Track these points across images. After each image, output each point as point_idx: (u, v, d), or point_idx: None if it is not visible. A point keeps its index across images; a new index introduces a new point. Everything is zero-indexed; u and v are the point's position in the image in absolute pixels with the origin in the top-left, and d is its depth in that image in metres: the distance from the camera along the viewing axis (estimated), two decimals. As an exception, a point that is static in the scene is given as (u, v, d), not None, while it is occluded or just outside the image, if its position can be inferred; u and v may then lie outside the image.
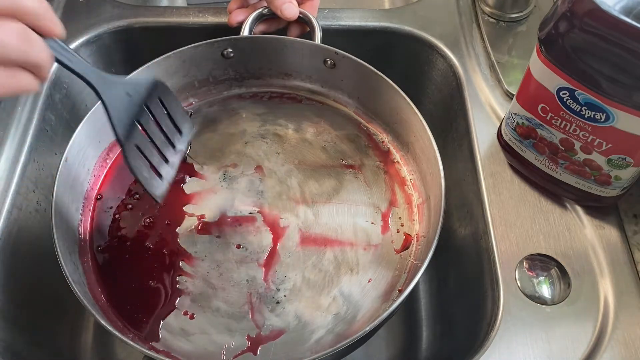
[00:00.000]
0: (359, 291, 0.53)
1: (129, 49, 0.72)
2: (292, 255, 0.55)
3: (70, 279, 0.47)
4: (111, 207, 0.58)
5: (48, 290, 0.60)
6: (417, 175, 0.59)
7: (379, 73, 0.59)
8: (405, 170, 0.60)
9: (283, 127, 0.64)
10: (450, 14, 0.70)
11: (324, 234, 0.56)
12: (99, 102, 0.46)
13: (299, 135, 0.63)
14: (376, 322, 0.47)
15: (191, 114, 0.65)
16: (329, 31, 0.65)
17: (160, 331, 0.51)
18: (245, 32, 0.63)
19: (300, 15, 0.63)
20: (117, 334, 0.46)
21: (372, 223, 0.57)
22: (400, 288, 0.53)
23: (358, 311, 0.52)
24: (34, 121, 0.62)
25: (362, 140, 0.63)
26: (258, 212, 0.58)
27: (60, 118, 0.66)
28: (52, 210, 0.51)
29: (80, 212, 0.57)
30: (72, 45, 0.67)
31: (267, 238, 0.56)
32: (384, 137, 0.63)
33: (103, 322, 0.46)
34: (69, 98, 0.68)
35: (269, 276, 0.54)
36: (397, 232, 0.57)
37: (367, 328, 0.46)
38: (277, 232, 0.56)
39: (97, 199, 0.58)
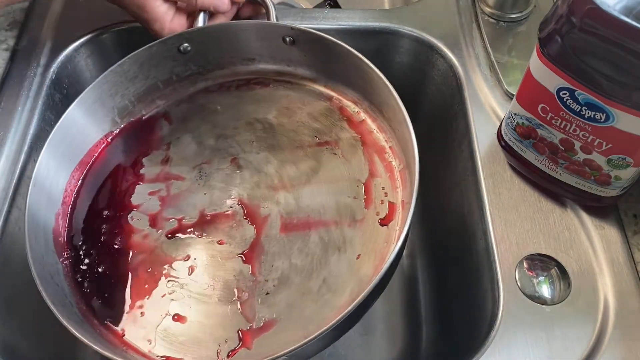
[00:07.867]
0: (349, 269, 0.51)
1: (129, 49, 0.71)
2: (276, 244, 0.54)
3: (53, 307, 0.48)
4: (85, 220, 0.57)
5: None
6: (395, 142, 0.57)
7: (337, 41, 0.57)
8: (382, 138, 0.58)
9: (254, 114, 0.62)
10: (450, 14, 0.70)
11: (307, 217, 0.55)
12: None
13: (271, 119, 0.62)
14: (366, 291, 0.44)
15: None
16: (328, 32, 0.64)
17: (154, 339, 0.50)
18: (199, 24, 0.62)
19: None
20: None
21: (354, 198, 0.55)
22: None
23: (349, 289, 0.50)
24: (34, 121, 0.62)
25: (336, 114, 0.61)
26: (238, 204, 0.57)
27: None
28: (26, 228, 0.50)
29: (57, 221, 0.56)
30: (72, 45, 0.67)
31: (249, 230, 0.55)
32: (358, 108, 0.60)
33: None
34: (69, 98, 0.67)
35: (255, 268, 0.53)
36: (381, 203, 0.54)
37: (359, 299, 0.44)
38: (258, 222, 0.55)
39: (72, 211, 0.57)
